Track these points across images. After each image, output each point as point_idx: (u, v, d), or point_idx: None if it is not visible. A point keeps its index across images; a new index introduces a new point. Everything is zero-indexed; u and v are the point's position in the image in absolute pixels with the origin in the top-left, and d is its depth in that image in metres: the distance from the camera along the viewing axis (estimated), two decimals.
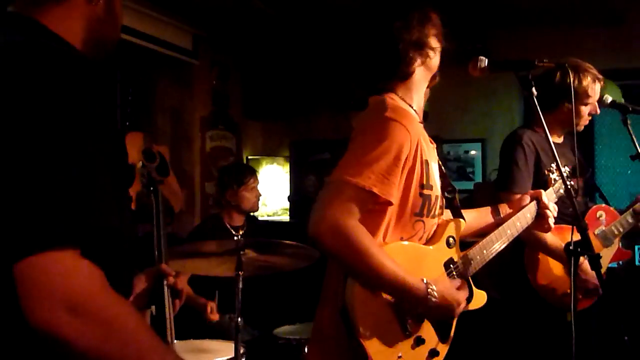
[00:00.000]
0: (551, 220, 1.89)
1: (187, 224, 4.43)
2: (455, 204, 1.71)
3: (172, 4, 4.26)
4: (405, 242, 1.54)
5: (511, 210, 1.90)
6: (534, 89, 1.69)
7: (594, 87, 2.44)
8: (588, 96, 2.43)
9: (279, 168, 5.54)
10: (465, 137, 4.97)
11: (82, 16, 1.05)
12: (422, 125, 1.62)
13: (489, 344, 2.96)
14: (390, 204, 1.46)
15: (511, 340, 2.44)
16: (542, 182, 2.10)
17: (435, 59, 1.62)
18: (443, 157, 4.45)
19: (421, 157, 1.51)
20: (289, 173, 5.41)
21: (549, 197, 1.96)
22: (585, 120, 2.49)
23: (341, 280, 1.46)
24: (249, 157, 5.45)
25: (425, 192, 1.54)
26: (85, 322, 0.81)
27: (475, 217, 1.86)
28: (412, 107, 1.61)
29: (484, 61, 1.70)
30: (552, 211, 1.90)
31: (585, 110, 2.45)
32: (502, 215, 1.89)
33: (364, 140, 1.46)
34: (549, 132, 1.78)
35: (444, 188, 1.67)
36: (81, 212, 0.83)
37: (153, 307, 1.51)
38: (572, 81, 2.23)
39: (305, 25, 4.67)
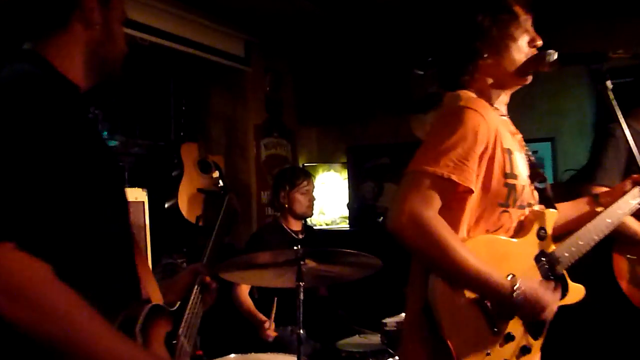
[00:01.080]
0: None
1: (243, 234, 4.43)
2: (547, 195, 1.69)
3: (222, 11, 4.32)
4: (490, 235, 1.53)
5: (610, 199, 1.85)
6: (608, 82, 1.65)
7: None
8: None
9: (336, 175, 5.56)
10: (533, 136, 4.95)
11: (82, 41, 1.19)
12: (504, 117, 1.63)
13: (577, 345, 2.94)
14: (470, 191, 1.47)
15: (603, 346, 2.43)
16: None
17: (516, 55, 1.61)
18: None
19: (501, 145, 1.51)
20: (347, 180, 5.41)
21: None
22: None
23: (424, 278, 1.47)
24: (305, 165, 5.49)
25: (510, 181, 1.53)
26: (20, 307, 0.94)
27: (570, 207, 1.85)
28: (492, 105, 1.62)
29: (554, 54, 1.66)
30: None
31: None
32: (601, 203, 1.86)
33: (439, 129, 1.49)
34: (629, 125, 1.77)
35: (533, 178, 1.66)
36: (19, 210, 0.97)
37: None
38: None
39: (359, 26, 4.69)
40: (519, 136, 1.68)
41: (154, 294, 1.31)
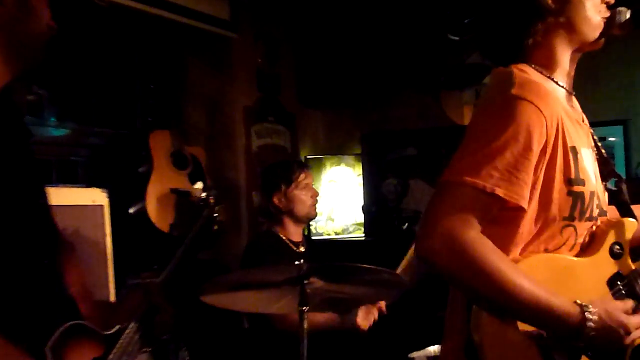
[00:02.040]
0: None
1: (232, 246, 4.50)
2: (623, 199, 1.71)
3: None
4: (550, 255, 1.56)
5: None
6: None
7: None
8: None
9: (349, 170, 5.61)
10: (601, 119, 4.96)
11: None
12: (571, 100, 1.68)
13: None
14: (522, 210, 1.50)
15: None
16: None
17: (591, 12, 1.65)
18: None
19: (564, 144, 1.54)
20: (362, 176, 5.48)
21: None
22: None
23: (465, 309, 1.50)
24: (308, 157, 5.56)
25: (576, 189, 1.56)
26: None
27: None
28: (552, 80, 1.66)
29: (626, 13, 1.69)
30: None
31: None
32: None
33: (483, 126, 1.52)
34: None
35: (605, 178, 1.70)
36: None
37: None
38: None
39: None
40: (586, 125, 1.71)
41: (99, 313, 1.33)
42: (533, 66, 1.65)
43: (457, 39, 4.52)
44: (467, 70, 4.44)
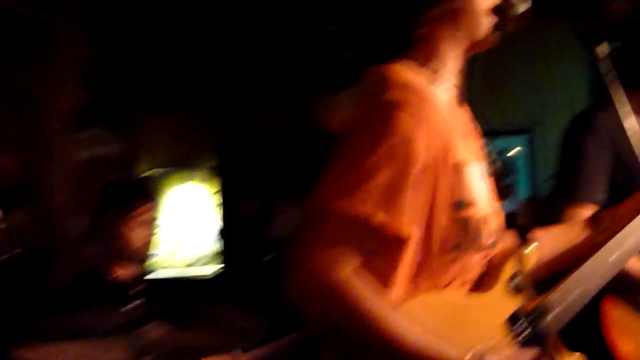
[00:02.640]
0: None
1: (46, 283, 4.33)
2: (522, 222, 1.76)
3: None
4: (438, 293, 1.59)
5: (617, 220, 1.97)
6: (601, 48, 1.81)
7: None
8: None
9: (201, 188, 5.59)
10: (501, 127, 5.04)
11: None
12: (459, 106, 1.74)
13: None
14: (403, 239, 1.51)
15: None
16: (627, 186, 2.27)
17: (482, 3, 1.70)
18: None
19: (450, 160, 1.58)
20: (218, 195, 5.47)
21: None
22: None
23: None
24: (150, 172, 5.50)
25: (464, 212, 1.60)
26: None
27: (558, 236, 1.97)
28: (437, 82, 1.70)
29: (524, 3, 1.74)
30: None
31: None
32: (606, 227, 1.97)
33: (354, 140, 1.55)
34: (636, 116, 1.93)
35: (501, 198, 1.76)
36: None
37: None
38: None
39: None
40: (477, 135, 1.78)
41: None
42: (415, 64, 1.68)
43: (332, 29, 4.65)
44: (344, 68, 4.36)
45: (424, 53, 1.69)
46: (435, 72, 1.69)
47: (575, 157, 2.59)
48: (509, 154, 4.84)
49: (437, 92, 1.67)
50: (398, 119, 1.51)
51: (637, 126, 1.92)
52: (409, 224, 1.51)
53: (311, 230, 1.51)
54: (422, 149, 1.52)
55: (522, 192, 4.93)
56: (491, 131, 5.36)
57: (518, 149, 5.07)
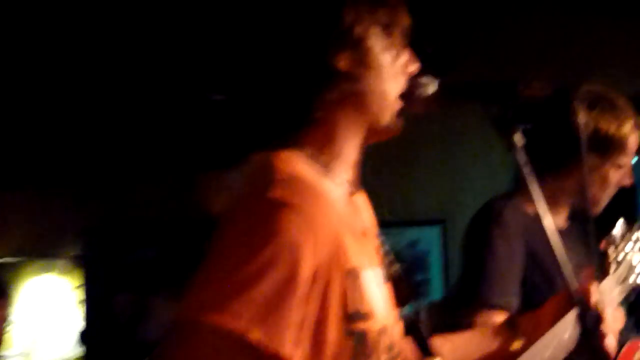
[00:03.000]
0: (610, 342, 1.93)
1: None
2: (422, 332, 1.80)
3: None
4: None
5: (536, 326, 2.01)
6: (517, 136, 1.78)
7: (633, 138, 2.68)
8: (622, 153, 2.68)
9: (61, 280, 5.54)
10: (409, 217, 5.21)
11: None
12: (353, 201, 1.76)
13: None
14: (285, 359, 1.50)
15: None
16: (543, 288, 2.36)
17: (390, 84, 1.73)
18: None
19: (342, 267, 1.58)
20: (81, 290, 5.45)
21: (607, 293, 2.16)
22: (609, 193, 2.73)
23: None
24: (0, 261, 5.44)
25: (358, 325, 1.60)
26: None
27: (465, 345, 2.01)
28: (330, 174, 1.71)
29: (431, 84, 1.77)
30: (612, 323, 1.96)
31: (613, 176, 2.70)
32: (521, 334, 2.01)
33: (232, 242, 1.54)
34: (549, 208, 1.90)
35: (401, 304, 1.77)
36: None
37: None
38: (591, 125, 2.52)
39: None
40: (375, 233, 1.80)
41: None
42: (306, 153, 1.68)
43: (222, 98, 4.64)
44: (234, 144, 4.31)
45: (318, 139, 1.70)
46: (329, 162, 1.69)
47: (482, 255, 2.59)
48: (422, 246, 4.93)
49: (330, 187, 1.67)
50: (283, 220, 1.49)
51: (551, 220, 1.86)
52: (292, 342, 1.49)
53: (179, 348, 1.46)
54: (310, 256, 1.50)
55: (435, 290, 5.13)
56: (400, 222, 5.41)
57: (429, 243, 5.17)
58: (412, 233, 5.25)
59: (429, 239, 5.22)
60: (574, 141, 2.50)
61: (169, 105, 5.18)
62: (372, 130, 1.74)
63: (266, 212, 1.52)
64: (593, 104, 2.65)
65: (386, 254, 1.80)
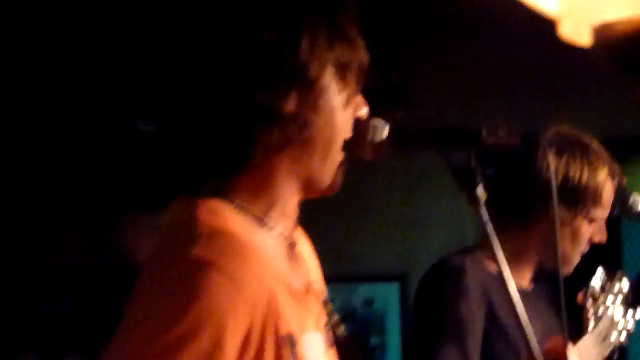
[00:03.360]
0: None
1: None
2: None
3: None
4: None
5: None
6: (479, 190, 1.79)
7: (608, 188, 2.73)
8: (595, 205, 2.71)
9: None
10: (364, 271, 5.31)
11: None
12: (292, 256, 1.76)
13: None
14: None
15: None
16: (505, 355, 2.46)
17: (338, 129, 1.73)
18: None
19: (277, 332, 1.58)
20: None
21: (586, 354, 2.27)
22: (581, 250, 2.75)
23: None
24: None
25: None
26: None
27: None
28: (265, 227, 1.70)
29: (382, 129, 1.77)
30: None
31: (585, 231, 2.73)
32: None
33: (151, 305, 1.54)
34: (513, 269, 1.95)
35: None
36: None
37: None
38: (561, 173, 2.59)
39: None
40: (317, 292, 1.80)
41: None
42: (238, 202, 1.67)
43: (150, 129, 4.78)
44: (162, 182, 4.30)
45: (253, 187, 1.69)
46: (265, 212, 1.68)
47: (435, 319, 2.61)
48: (379, 304, 4.85)
49: (264, 240, 1.66)
50: (206, 282, 1.49)
51: (513, 281, 1.84)
52: None
53: None
54: (238, 322, 1.50)
55: (391, 356, 5.13)
56: (354, 277, 5.36)
57: (384, 302, 5.08)
58: (366, 290, 5.29)
59: (386, 297, 5.23)
60: (540, 191, 2.57)
61: (86, 136, 5.18)
62: (312, 183, 1.73)
63: (187, 273, 1.51)
64: (562, 149, 2.65)
65: (332, 314, 1.79)
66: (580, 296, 2.48)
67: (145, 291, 1.56)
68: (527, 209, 2.67)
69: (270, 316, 1.56)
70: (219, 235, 1.58)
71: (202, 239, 1.55)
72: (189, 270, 1.51)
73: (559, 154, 2.66)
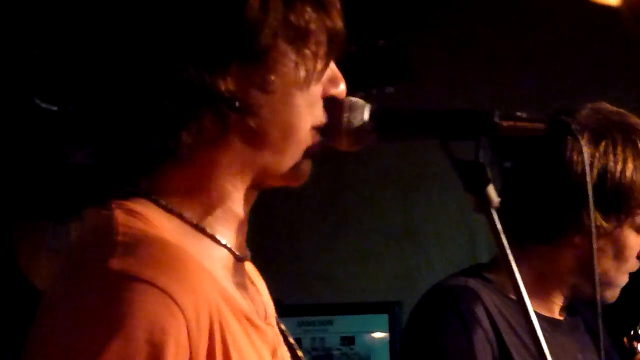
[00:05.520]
0: None
1: None
2: None
3: None
4: None
5: None
6: (491, 190, 1.76)
7: None
8: None
9: None
10: (342, 300, 5.52)
11: None
12: (241, 271, 1.81)
13: None
14: None
15: None
16: None
17: (301, 114, 1.75)
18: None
19: (225, 349, 1.60)
20: None
21: None
22: (628, 268, 2.74)
23: None
24: None
25: None
26: None
27: None
28: (204, 232, 1.74)
29: (362, 111, 1.78)
30: None
31: (633, 243, 2.71)
32: None
33: (63, 332, 1.55)
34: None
35: None
36: None
37: None
38: (598, 169, 2.55)
39: None
40: (272, 312, 1.86)
41: None
42: (163, 204, 1.69)
43: (54, 108, 4.78)
44: (64, 184, 4.51)
45: (184, 187, 1.72)
46: (202, 216, 1.70)
47: (429, 356, 2.68)
48: (369, 337, 4.83)
49: (203, 252, 1.67)
50: (136, 301, 1.49)
51: (530, 309, 1.74)
52: None
53: None
54: (179, 348, 1.50)
55: None
56: (332, 309, 5.36)
57: (379, 334, 5.46)
58: (346, 324, 5.48)
59: (372, 333, 5.38)
60: (571, 192, 2.54)
61: None
62: (267, 175, 1.75)
63: (105, 291, 1.51)
64: (600, 134, 2.59)
65: (292, 347, 1.86)
66: (626, 339, 2.52)
67: (52, 323, 1.56)
68: (554, 216, 2.63)
69: (217, 337, 1.57)
70: (142, 243, 1.59)
71: (121, 247, 1.56)
72: (107, 286, 1.52)
73: (595, 140, 2.57)
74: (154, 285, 1.51)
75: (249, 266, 1.86)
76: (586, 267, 2.58)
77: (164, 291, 1.51)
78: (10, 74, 5.15)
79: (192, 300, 1.55)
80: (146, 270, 1.52)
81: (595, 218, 2.33)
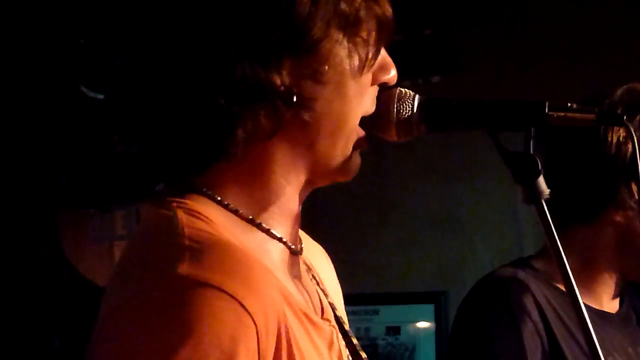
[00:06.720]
0: None
1: None
2: None
3: None
4: None
5: None
6: (541, 182, 1.78)
7: None
8: None
9: None
10: (386, 290, 5.48)
11: None
12: (296, 264, 1.81)
13: None
14: None
15: None
16: None
17: (355, 107, 1.75)
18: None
19: (289, 351, 1.60)
20: None
21: None
22: None
23: None
24: None
25: None
26: None
27: None
28: (261, 228, 1.74)
29: (411, 102, 1.79)
30: None
31: None
32: None
33: (130, 343, 1.56)
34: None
35: None
36: None
37: None
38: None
39: None
40: (337, 301, 1.90)
41: None
42: (223, 201, 1.70)
43: (100, 97, 4.83)
44: (115, 169, 4.56)
45: (240, 183, 1.72)
46: (257, 214, 1.71)
47: (478, 351, 2.67)
48: (413, 329, 4.88)
49: (261, 249, 1.69)
50: (205, 307, 1.50)
51: (579, 299, 1.77)
52: None
53: None
54: (247, 353, 1.50)
55: None
56: (376, 299, 5.40)
57: (424, 324, 5.44)
58: (391, 315, 5.44)
59: (417, 323, 5.36)
60: (610, 170, 2.61)
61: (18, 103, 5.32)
62: (318, 170, 1.75)
63: (175, 298, 1.52)
64: (634, 111, 2.65)
65: (352, 343, 1.83)
66: None
67: (119, 327, 1.57)
68: (593, 194, 2.68)
69: (283, 342, 1.58)
70: (209, 246, 1.59)
71: (189, 251, 1.56)
72: (177, 292, 1.52)
73: (630, 117, 2.58)
74: (223, 291, 1.52)
75: (323, 253, 1.91)
76: (629, 245, 2.66)
77: (233, 297, 1.53)
78: (57, 63, 5.17)
79: (261, 305, 1.56)
80: (215, 276, 1.54)
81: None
